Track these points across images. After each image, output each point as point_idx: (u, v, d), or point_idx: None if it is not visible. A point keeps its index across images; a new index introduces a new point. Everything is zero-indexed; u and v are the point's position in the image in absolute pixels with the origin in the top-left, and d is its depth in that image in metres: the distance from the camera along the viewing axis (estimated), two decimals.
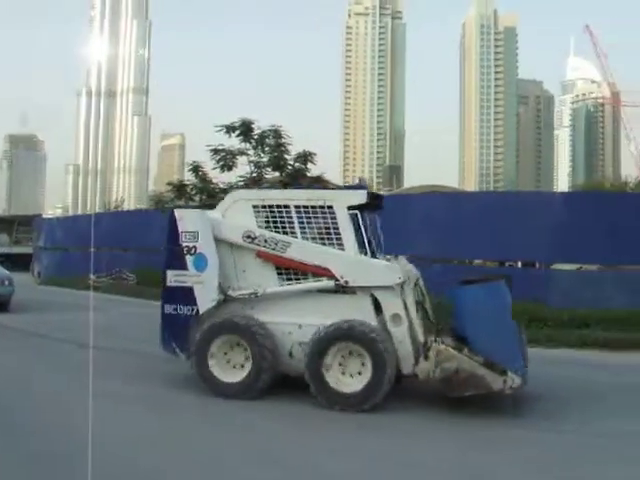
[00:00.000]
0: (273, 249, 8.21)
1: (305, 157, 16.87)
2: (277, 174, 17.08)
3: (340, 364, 7.83)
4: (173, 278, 8.37)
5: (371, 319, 7.99)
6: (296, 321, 8.12)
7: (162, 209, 17.15)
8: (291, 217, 8.35)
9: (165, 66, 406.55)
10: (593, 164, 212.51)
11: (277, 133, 16.72)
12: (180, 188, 17.28)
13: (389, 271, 8.10)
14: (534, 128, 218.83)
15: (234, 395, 7.96)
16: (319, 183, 16.39)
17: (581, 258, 16.08)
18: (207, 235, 8.32)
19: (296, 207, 8.36)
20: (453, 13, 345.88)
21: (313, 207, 8.31)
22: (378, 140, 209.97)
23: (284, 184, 15.80)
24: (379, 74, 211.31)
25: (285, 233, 8.31)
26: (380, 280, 8.04)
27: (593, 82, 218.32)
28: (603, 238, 14.81)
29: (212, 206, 9.98)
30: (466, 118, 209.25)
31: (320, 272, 8.13)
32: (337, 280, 8.04)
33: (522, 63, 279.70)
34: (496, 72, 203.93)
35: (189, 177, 17.54)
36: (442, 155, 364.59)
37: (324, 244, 8.26)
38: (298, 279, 8.30)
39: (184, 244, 8.33)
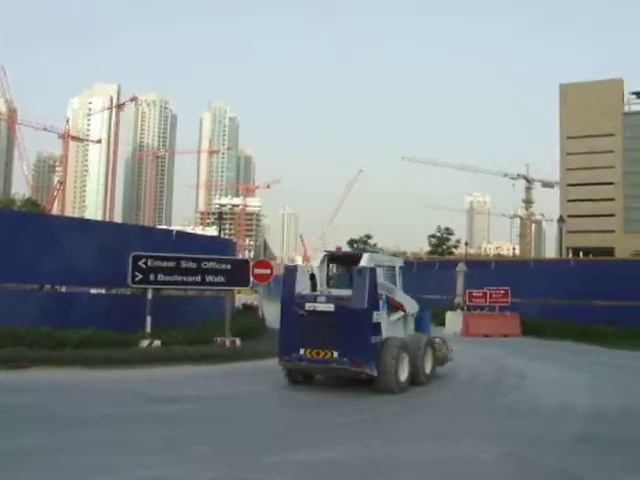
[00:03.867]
0: (391, 294, 12.98)
1: None
2: None
3: None
4: (375, 317, 11.85)
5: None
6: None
7: None
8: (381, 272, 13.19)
9: None
10: None
11: None
12: None
13: (416, 304, 14.28)
14: None
15: (404, 390, 12.09)
16: None
17: None
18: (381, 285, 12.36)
19: (386, 267, 13.37)
20: None
21: (389, 266, 13.60)
22: None
23: None
24: None
25: None
26: (414, 309, 14.15)
27: None
28: None
29: None
30: None
31: (400, 307, 13.48)
32: (404, 311, 13.62)
33: None
34: None
35: None
36: None
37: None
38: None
39: (380, 292, 12.10)
